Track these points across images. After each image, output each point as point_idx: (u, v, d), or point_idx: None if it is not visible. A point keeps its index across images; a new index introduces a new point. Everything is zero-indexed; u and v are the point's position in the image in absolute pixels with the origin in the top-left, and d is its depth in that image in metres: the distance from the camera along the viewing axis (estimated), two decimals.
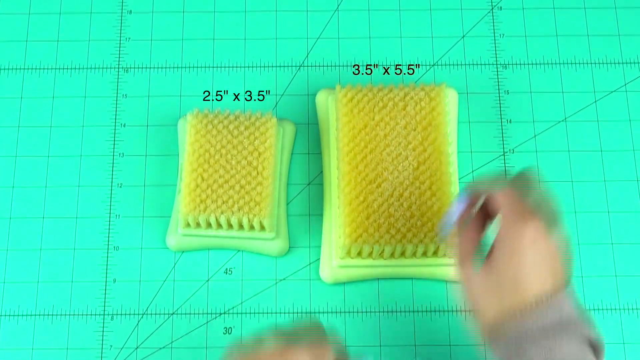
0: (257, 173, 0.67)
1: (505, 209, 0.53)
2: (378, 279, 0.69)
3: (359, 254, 0.67)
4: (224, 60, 0.77)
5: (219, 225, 0.68)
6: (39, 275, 0.70)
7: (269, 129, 0.68)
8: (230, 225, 0.67)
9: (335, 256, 0.68)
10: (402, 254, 0.67)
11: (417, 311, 0.69)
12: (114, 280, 0.70)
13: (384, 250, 0.66)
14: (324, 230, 0.70)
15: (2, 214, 0.72)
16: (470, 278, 0.53)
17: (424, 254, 0.67)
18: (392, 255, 0.67)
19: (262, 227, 0.67)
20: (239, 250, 0.70)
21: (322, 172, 0.72)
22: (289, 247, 0.70)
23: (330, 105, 0.72)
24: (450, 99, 0.72)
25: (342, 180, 0.67)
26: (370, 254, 0.67)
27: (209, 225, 0.68)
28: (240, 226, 0.68)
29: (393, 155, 0.67)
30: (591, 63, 0.77)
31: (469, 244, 0.55)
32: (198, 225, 0.68)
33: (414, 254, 0.67)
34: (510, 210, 0.52)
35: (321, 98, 0.74)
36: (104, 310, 0.69)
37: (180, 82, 0.76)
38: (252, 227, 0.68)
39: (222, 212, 0.66)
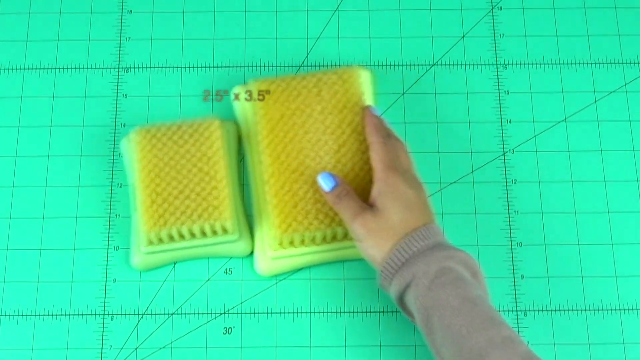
0: (210, 178, 0.67)
1: (378, 164, 0.64)
2: (312, 266, 0.70)
3: (292, 243, 0.67)
4: (224, 60, 0.77)
5: (182, 237, 0.67)
6: (39, 275, 0.70)
7: (214, 132, 0.68)
8: (193, 235, 0.67)
9: (268, 248, 0.68)
10: (334, 238, 0.68)
11: None
12: (114, 280, 0.70)
13: (315, 236, 0.66)
14: (254, 224, 0.70)
15: (2, 214, 0.72)
16: (367, 224, 0.62)
17: None
18: (324, 240, 0.67)
19: (225, 230, 0.67)
20: (208, 258, 0.70)
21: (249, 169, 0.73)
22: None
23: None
24: (363, 80, 0.72)
25: (266, 173, 0.67)
26: (302, 242, 0.67)
27: (171, 238, 0.67)
28: (203, 233, 0.67)
29: (313, 142, 0.68)
30: (591, 63, 0.77)
31: (357, 200, 0.64)
32: (161, 240, 0.67)
33: (345, 236, 0.67)
34: (383, 165, 0.63)
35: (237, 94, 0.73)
36: (104, 310, 0.69)
37: (180, 82, 0.76)
38: (214, 232, 0.67)
39: (182, 223, 0.65)
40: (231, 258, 0.70)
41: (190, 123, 0.69)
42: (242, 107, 0.72)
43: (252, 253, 0.70)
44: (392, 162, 0.64)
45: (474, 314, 0.57)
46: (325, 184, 0.65)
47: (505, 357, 0.55)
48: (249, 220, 0.71)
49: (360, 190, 0.66)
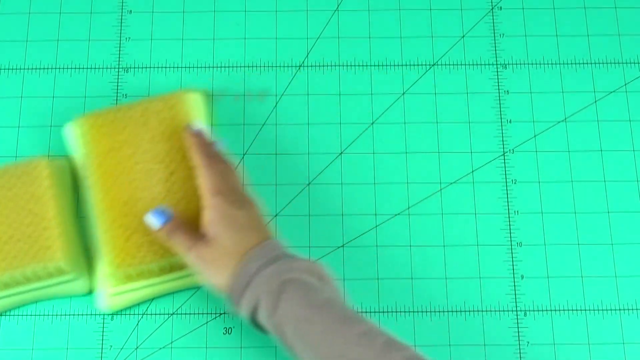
0: (41, 218, 0.65)
1: (205, 190, 0.63)
2: (157, 297, 0.68)
3: (129, 278, 0.66)
4: (224, 60, 0.77)
5: (18, 282, 0.66)
6: None
7: (42, 171, 0.67)
8: (28, 279, 0.65)
9: (107, 285, 0.67)
10: (173, 268, 0.66)
11: (418, 311, 0.69)
12: None
13: (151, 269, 0.65)
14: (95, 260, 0.68)
15: None
16: (202, 255, 0.61)
17: None
18: (162, 271, 0.66)
19: (60, 271, 0.65)
20: (49, 299, 0.68)
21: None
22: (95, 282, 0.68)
23: (75, 136, 0.70)
24: (192, 103, 0.70)
25: (96, 209, 0.66)
26: (140, 276, 0.66)
27: (7, 285, 0.66)
28: (38, 276, 0.66)
29: (143, 172, 0.67)
30: (591, 63, 0.77)
31: (190, 230, 0.63)
32: None
33: (183, 266, 0.66)
34: (209, 190, 0.62)
35: (70, 130, 0.71)
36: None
37: (180, 82, 0.76)
38: (50, 274, 0.66)
39: (15, 268, 0.64)
40: None
41: (16, 165, 0.68)
42: (74, 143, 0.70)
43: (94, 290, 0.69)
44: (218, 186, 0.63)
45: (327, 318, 0.57)
46: (154, 221, 0.64)
47: (364, 352, 0.54)
48: (90, 257, 0.69)
49: (195, 217, 0.65)
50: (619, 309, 0.69)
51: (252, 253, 0.60)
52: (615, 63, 0.77)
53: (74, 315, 0.69)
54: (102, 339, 0.68)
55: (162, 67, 0.76)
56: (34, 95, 0.75)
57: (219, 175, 0.63)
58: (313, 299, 0.58)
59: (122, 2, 0.79)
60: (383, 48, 0.77)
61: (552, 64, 0.77)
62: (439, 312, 0.69)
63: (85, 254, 0.69)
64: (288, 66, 0.77)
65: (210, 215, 0.62)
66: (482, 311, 0.69)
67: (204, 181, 0.63)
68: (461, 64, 0.77)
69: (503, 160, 0.74)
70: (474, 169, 0.73)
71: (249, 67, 0.77)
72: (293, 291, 0.58)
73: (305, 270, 0.60)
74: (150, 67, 0.76)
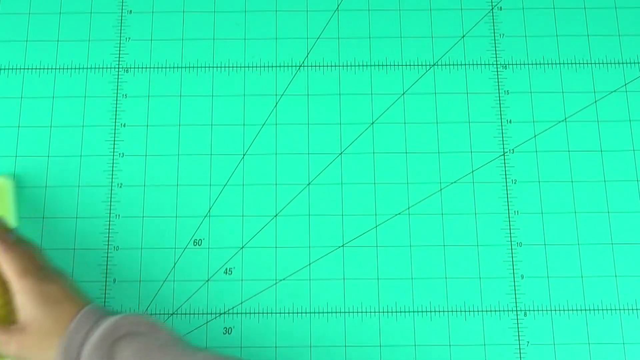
0: None
1: (11, 275, 0.61)
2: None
3: None
4: (224, 60, 0.77)
5: None
6: None
7: None
8: None
9: None
10: None
11: (418, 311, 0.69)
12: (114, 280, 0.70)
13: None
14: None
15: None
16: (22, 344, 0.59)
17: None
18: None
19: None
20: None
21: None
22: None
23: None
24: None
25: None
26: None
27: None
28: None
29: None
30: (591, 63, 0.77)
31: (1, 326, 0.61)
32: None
33: None
34: (16, 273, 0.60)
35: None
36: None
37: (180, 82, 0.76)
38: None
39: None
40: (234, 256, 0.70)
41: None
42: None
43: None
44: (23, 267, 0.61)
45: None
46: None
47: None
48: None
49: None
50: (619, 309, 0.69)
51: (74, 325, 0.59)
52: (615, 63, 0.77)
53: None
54: None
55: (162, 67, 0.76)
56: (34, 95, 0.75)
57: (21, 257, 0.62)
58: (147, 349, 0.57)
59: (122, 2, 0.79)
60: (383, 48, 0.77)
61: (552, 64, 0.77)
62: (439, 312, 0.69)
63: None
64: (288, 66, 0.77)
65: (22, 299, 0.60)
66: (482, 311, 0.69)
67: (7, 267, 0.61)
68: (461, 64, 0.77)
69: (503, 160, 0.74)
70: (474, 169, 0.73)
71: (248, 67, 0.77)
72: (125, 349, 0.57)
73: (132, 323, 0.59)
74: (150, 67, 0.76)
